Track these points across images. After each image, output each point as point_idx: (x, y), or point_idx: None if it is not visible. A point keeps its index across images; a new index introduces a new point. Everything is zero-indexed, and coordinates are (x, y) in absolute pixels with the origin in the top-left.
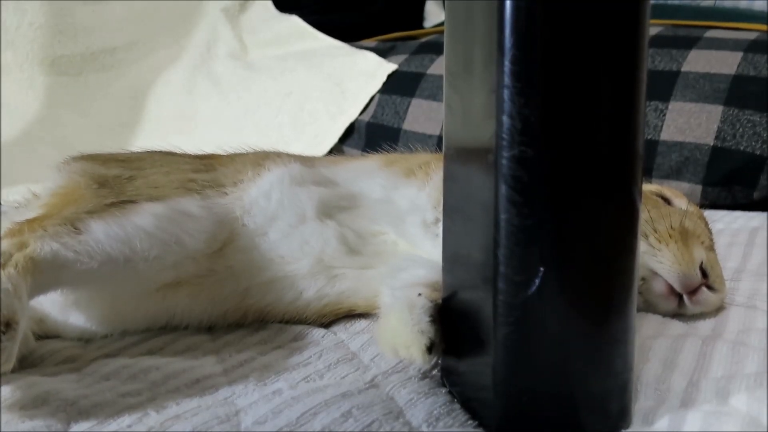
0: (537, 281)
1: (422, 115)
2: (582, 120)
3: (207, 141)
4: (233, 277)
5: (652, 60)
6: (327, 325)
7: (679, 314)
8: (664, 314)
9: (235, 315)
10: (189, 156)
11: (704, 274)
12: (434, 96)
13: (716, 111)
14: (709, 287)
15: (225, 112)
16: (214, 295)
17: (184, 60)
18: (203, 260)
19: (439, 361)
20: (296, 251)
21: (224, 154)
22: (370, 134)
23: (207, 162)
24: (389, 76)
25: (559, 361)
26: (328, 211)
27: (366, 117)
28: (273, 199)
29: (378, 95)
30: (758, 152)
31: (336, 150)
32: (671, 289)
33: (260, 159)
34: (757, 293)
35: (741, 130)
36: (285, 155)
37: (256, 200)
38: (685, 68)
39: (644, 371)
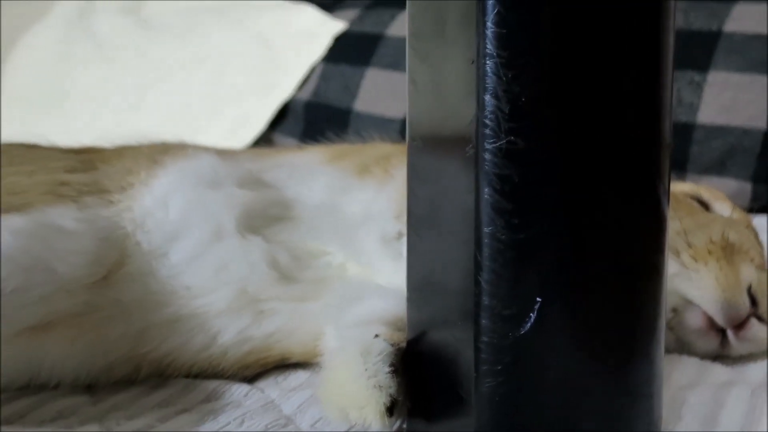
0: (532, 316)
1: (380, 92)
2: (587, 100)
3: (86, 127)
4: (122, 316)
5: (686, 17)
6: (251, 380)
7: (723, 355)
8: (703, 356)
9: (125, 368)
10: (60, 150)
11: (753, 301)
12: (397, 65)
13: None
14: (761, 318)
15: (111, 86)
16: (97, 340)
17: (54, 14)
18: (81, 293)
19: (403, 426)
20: (209, 279)
21: (109, 147)
22: (311, 117)
23: (85, 158)
24: (336, 39)
25: (561, 422)
26: (253, 223)
27: (305, 94)
28: (173, 209)
29: (321, 64)
30: None
31: (264, 139)
32: (711, 323)
33: (158, 153)
34: None
35: None
36: (193, 147)
37: (151, 211)
38: (728, 27)
39: None
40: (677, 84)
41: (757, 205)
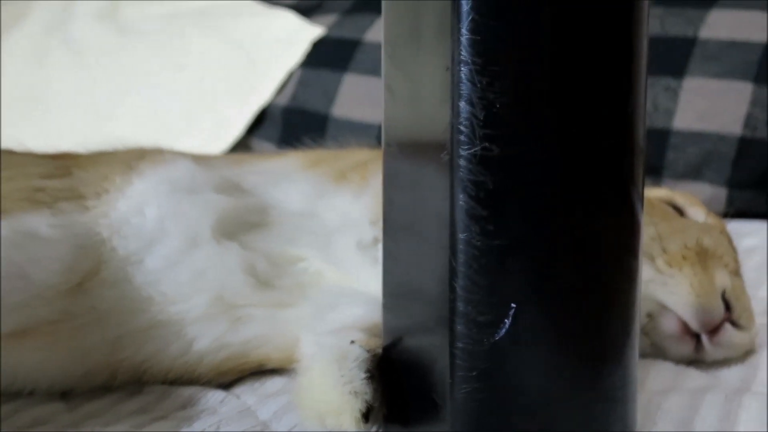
0: (507, 322)
1: (358, 97)
2: (560, 106)
3: (63, 132)
4: (98, 323)
5: (661, 23)
6: (228, 386)
7: (697, 360)
8: (678, 361)
9: (100, 375)
10: (36, 155)
11: (728, 306)
12: (375, 70)
13: (745, 90)
14: (735, 323)
15: (89, 92)
16: (72, 347)
17: (31, 20)
18: (57, 300)
19: (380, 431)
20: (185, 286)
21: (85, 152)
22: (289, 122)
23: (61, 164)
24: (314, 44)
25: (536, 428)
26: (230, 229)
27: (283, 99)
28: (149, 215)
29: (299, 69)
30: None
31: (242, 144)
32: (686, 328)
33: (134, 159)
34: None
35: None
36: (169, 153)
37: (127, 217)
38: (704, 34)
39: None
40: (653, 90)
41: (732, 210)
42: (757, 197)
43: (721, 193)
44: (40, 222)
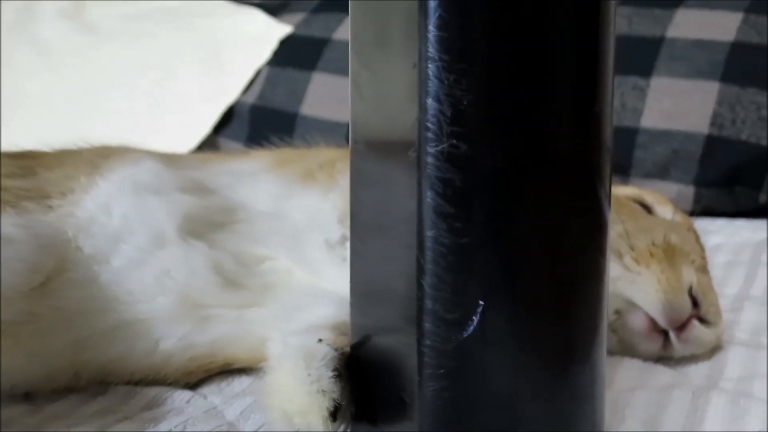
0: (475, 320)
1: (327, 96)
2: (528, 103)
3: (29, 132)
4: (63, 324)
5: (629, 22)
6: (194, 386)
7: (665, 357)
8: (645, 358)
9: (64, 376)
10: (0, 155)
11: (695, 302)
12: (344, 69)
13: (711, 89)
14: (702, 320)
15: (55, 92)
16: (36, 348)
17: None
18: (20, 300)
19: (348, 430)
20: (151, 285)
21: (50, 151)
22: (256, 121)
23: (25, 163)
24: (282, 42)
25: (505, 426)
26: (196, 228)
27: (250, 98)
28: (115, 214)
29: (266, 68)
30: (764, 142)
31: (209, 143)
32: (654, 325)
33: (99, 158)
34: (764, 327)
35: (743, 114)
36: (135, 151)
37: (93, 216)
38: (671, 33)
39: None
40: (621, 89)
41: (699, 208)
42: (723, 196)
43: (688, 191)
44: (4, 222)
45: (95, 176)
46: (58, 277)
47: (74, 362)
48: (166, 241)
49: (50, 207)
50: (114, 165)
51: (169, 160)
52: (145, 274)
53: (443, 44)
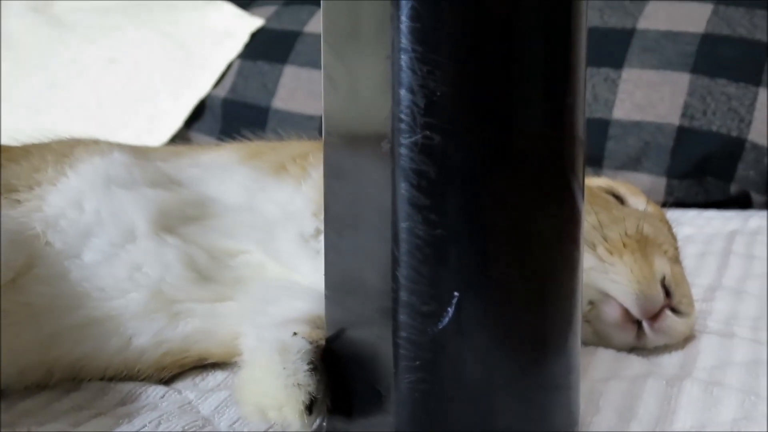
0: (450, 311)
1: (299, 89)
2: (501, 95)
3: None
4: (32, 320)
5: (600, 14)
6: (168, 381)
7: (638, 347)
8: (619, 348)
9: (36, 373)
10: None
11: (668, 292)
12: (315, 63)
13: (682, 81)
14: (675, 310)
15: (22, 85)
16: (6, 345)
17: None
18: None
19: (323, 424)
20: (123, 281)
21: (17, 145)
22: (228, 115)
23: None
24: (253, 36)
25: (481, 417)
26: (168, 222)
27: (222, 91)
28: (84, 209)
29: (238, 61)
30: (735, 133)
31: (181, 137)
32: (627, 315)
33: (67, 150)
34: (736, 317)
35: (713, 105)
36: (105, 144)
37: (62, 211)
38: (641, 25)
39: (594, 424)
40: (593, 80)
41: (671, 200)
42: (695, 186)
43: (660, 183)
44: None
45: (64, 167)
46: (27, 273)
47: (46, 359)
48: (137, 235)
49: (18, 201)
50: (82, 157)
51: (139, 152)
52: (117, 270)
53: (416, 35)
